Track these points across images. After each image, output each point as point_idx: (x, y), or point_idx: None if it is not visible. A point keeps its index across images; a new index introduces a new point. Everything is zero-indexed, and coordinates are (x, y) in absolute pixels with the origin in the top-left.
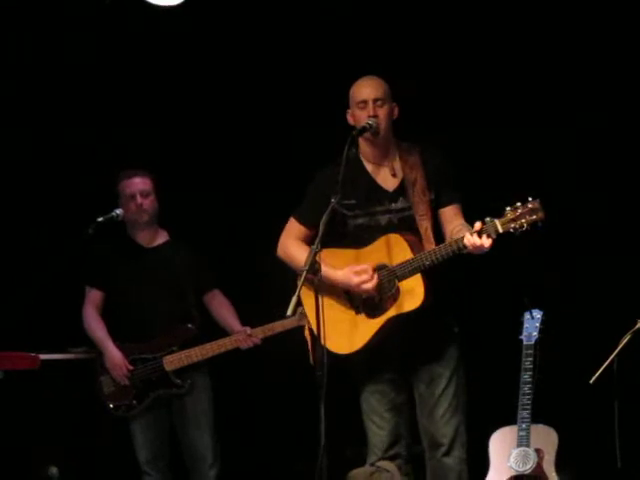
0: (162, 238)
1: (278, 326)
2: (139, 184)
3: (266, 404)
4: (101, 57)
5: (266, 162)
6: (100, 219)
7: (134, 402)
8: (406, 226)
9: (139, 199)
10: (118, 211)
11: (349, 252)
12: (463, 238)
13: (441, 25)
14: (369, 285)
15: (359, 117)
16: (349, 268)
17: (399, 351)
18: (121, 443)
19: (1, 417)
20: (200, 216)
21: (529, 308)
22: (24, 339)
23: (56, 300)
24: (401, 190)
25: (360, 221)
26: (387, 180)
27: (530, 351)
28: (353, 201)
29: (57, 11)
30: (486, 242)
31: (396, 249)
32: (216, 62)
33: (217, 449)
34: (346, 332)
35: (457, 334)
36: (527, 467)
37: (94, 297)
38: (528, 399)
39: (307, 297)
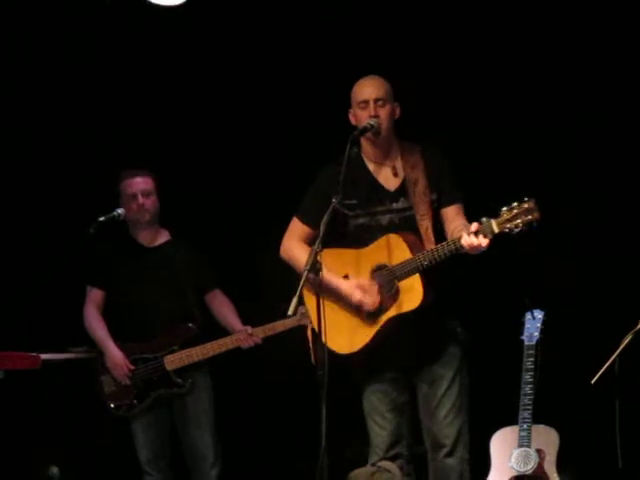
0: (163, 238)
1: (279, 325)
2: (140, 184)
3: (267, 404)
4: (101, 57)
5: (267, 161)
6: (101, 219)
7: (135, 402)
8: (408, 226)
9: (140, 199)
10: (119, 211)
11: (349, 252)
12: (460, 238)
13: (441, 25)
14: (369, 307)
15: (360, 117)
16: (356, 282)
17: (400, 351)
18: (122, 443)
19: (2, 417)
20: (201, 215)
21: (530, 308)
22: (25, 339)
23: (57, 300)
24: (402, 190)
25: (361, 221)
26: (388, 180)
27: (531, 351)
28: (354, 201)
29: (57, 11)
30: (483, 242)
31: (395, 249)
32: (216, 61)
33: (218, 449)
34: (347, 332)
35: (460, 334)
36: (528, 467)
37: (95, 297)
38: (529, 399)
39: (309, 297)
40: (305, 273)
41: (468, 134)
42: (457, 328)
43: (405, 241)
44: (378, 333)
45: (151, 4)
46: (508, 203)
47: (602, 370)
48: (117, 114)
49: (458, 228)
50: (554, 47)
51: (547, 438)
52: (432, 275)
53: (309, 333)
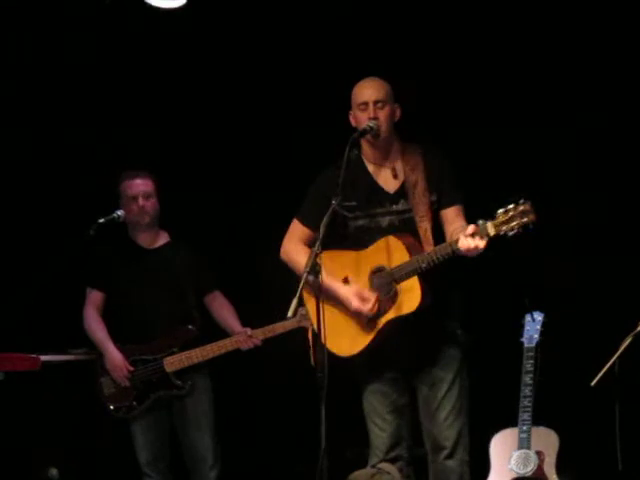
0: (163, 239)
1: (279, 327)
2: (141, 186)
3: (266, 405)
4: (101, 57)
5: (267, 162)
6: (101, 220)
7: (134, 403)
8: (408, 228)
9: (141, 201)
10: (119, 212)
11: (349, 254)
12: (457, 241)
13: (441, 25)
14: (367, 315)
15: (360, 119)
16: (356, 290)
17: (400, 353)
18: (121, 444)
19: (2, 418)
20: (200, 217)
21: (530, 310)
22: (25, 340)
23: (56, 301)
24: (402, 192)
25: (361, 223)
26: (388, 181)
27: (531, 353)
28: (354, 203)
29: (57, 11)
30: (480, 244)
31: (394, 251)
32: (216, 62)
33: (218, 450)
34: (347, 334)
35: (460, 337)
36: (528, 469)
37: (95, 298)
38: (529, 401)
39: (309, 299)
40: (305, 275)
41: (468, 134)
42: (457, 330)
43: (403, 243)
44: (377, 336)
45: (151, 7)
46: (504, 205)
47: (602, 372)
48: (117, 115)
49: (457, 230)
50: (554, 47)
51: (547, 440)
52: (431, 277)
53: (310, 335)
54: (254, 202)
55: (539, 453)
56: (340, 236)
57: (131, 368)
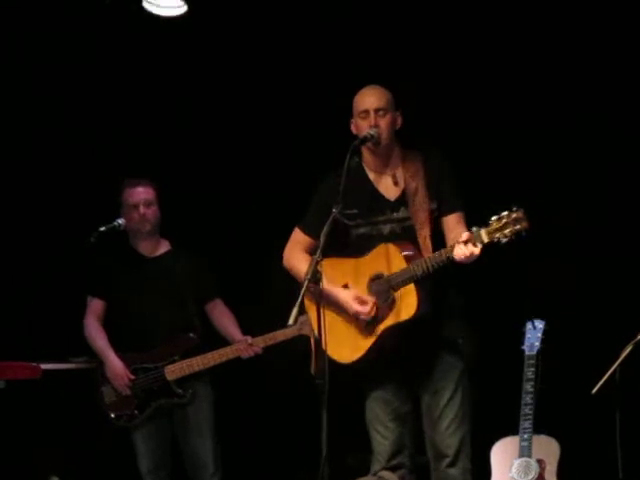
0: (164, 248)
1: (279, 335)
2: (142, 194)
3: (267, 413)
4: (101, 58)
5: (267, 166)
6: (102, 228)
7: (136, 412)
8: (409, 235)
9: (142, 209)
10: (120, 221)
11: (349, 262)
12: (452, 249)
13: (441, 27)
14: (365, 318)
15: (361, 127)
16: (355, 294)
17: (401, 361)
18: (122, 453)
19: (3, 427)
20: (201, 224)
21: (531, 318)
22: (26, 349)
23: (57, 310)
24: (403, 199)
25: (362, 230)
26: (389, 189)
27: (532, 361)
28: (355, 211)
29: (57, 11)
30: (475, 250)
31: (392, 258)
32: (217, 64)
33: (219, 457)
34: (348, 341)
35: (461, 346)
36: (529, 477)
37: (96, 307)
38: (530, 409)
39: (311, 307)
40: (305, 283)
41: (467, 136)
42: (458, 339)
43: (401, 251)
44: (376, 342)
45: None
46: (497, 213)
47: (603, 380)
48: (118, 117)
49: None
50: (554, 49)
51: (548, 448)
52: (430, 285)
53: (312, 344)
54: (255, 210)
55: (540, 461)
56: (342, 244)
57: (132, 376)
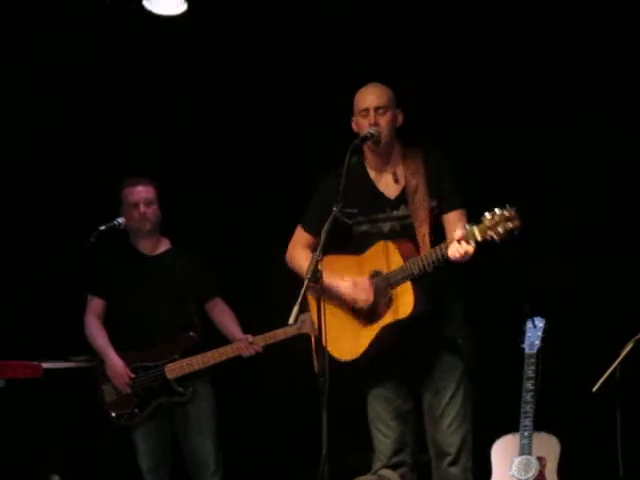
0: (164, 246)
1: (280, 334)
2: (142, 192)
3: (268, 411)
4: (101, 57)
5: (267, 165)
6: (102, 227)
7: (136, 410)
8: (409, 233)
9: (142, 207)
10: (120, 220)
11: (351, 258)
12: (446, 247)
13: (441, 27)
14: (362, 304)
15: (362, 125)
16: (353, 280)
17: (401, 359)
18: (123, 451)
19: (3, 426)
20: (201, 223)
21: (531, 316)
22: (26, 348)
23: (57, 309)
24: (403, 197)
25: (363, 228)
26: (389, 187)
27: (532, 359)
28: (355, 209)
29: (57, 11)
30: (469, 249)
31: (391, 256)
32: (216, 63)
33: (219, 456)
34: (348, 339)
35: (462, 346)
36: (529, 475)
37: (96, 305)
38: (530, 407)
39: (313, 305)
40: (306, 281)
41: (467, 134)
42: (458, 339)
43: (399, 248)
44: (375, 340)
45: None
46: (489, 210)
47: (603, 378)
48: (118, 118)
49: None
50: (554, 47)
51: (548, 446)
52: (428, 283)
53: (313, 343)
54: (256, 210)
55: (540, 459)
56: (344, 241)
57: (132, 375)
